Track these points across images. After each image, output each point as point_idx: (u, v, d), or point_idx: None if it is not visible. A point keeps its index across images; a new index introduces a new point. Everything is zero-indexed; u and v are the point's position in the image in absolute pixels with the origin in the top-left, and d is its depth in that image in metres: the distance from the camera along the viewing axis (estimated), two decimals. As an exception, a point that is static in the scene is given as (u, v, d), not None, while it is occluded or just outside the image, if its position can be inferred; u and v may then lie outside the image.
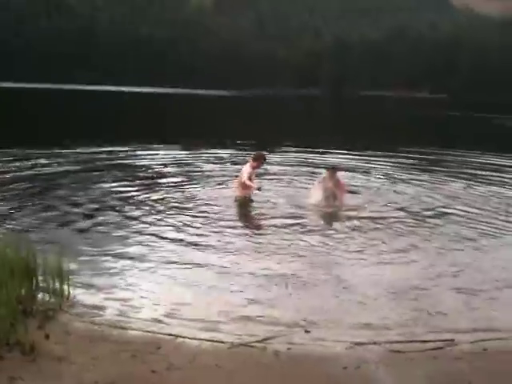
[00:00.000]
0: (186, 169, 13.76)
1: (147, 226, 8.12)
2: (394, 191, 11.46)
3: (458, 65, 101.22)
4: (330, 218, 9.19)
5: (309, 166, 14.64)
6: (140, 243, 7.30)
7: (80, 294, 5.49)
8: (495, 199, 11.05)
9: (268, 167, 14.02)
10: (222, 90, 74.28)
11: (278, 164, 14.79)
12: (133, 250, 7.02)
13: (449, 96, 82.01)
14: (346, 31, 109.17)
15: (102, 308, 5.26)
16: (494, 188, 12.34)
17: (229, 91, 71.22)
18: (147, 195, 10.18)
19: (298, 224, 8.47)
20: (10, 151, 15.06)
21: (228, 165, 14.37)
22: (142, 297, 5.56)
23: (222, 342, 4.60)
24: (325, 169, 10.18)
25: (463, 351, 4.61)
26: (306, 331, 4.89)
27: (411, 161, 16.80)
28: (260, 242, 7.51)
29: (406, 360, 4.40)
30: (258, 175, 11.85)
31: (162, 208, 9.19)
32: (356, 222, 8.66)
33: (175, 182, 11.69)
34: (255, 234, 8.05)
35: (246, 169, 9.51)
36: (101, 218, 8.49)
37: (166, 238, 7.50)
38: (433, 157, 18.19)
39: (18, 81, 74.36)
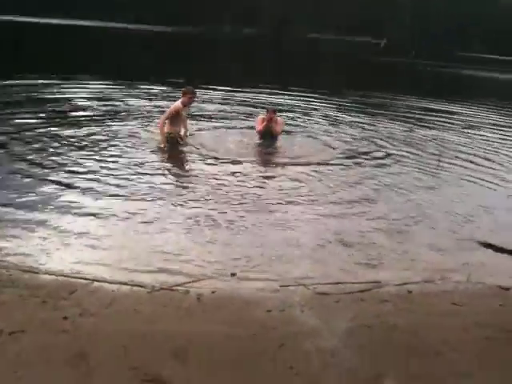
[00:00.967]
0: (112, 103, 12.98)
1: (57, 165, 7.47)
2: (335, 132, 11.53)
3: (397, 12, 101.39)
4: (269, 161, 8.86)
5: (247, 106, 14.28)
6: (53, 183, 6.71)
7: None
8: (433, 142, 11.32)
9: (204, 105, 13.65)
10: (162, 25, 71.18)
11: (214, 103, 14.37)
12: (45, 191, 6.42)
13: (391, 42, 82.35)
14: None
15: (11, 251, 4.85)
16: (433, 132, 12.67)
17: (167, 27, 68.39)
18: (64, 130, 9.52)
19: (233, 166, 8.14)
20: None
21: (160, 101, 13.72)
22: (55, 241, 5.11)
23: (142, 287, 4.34)
24: (264, 109, 9.94)
25: (390, 293, 4.59)
26: (232, 274, 4.71)
27: (353, 104, 16.81)
28: (185, 185, 7.13)
29: (332, 302, 4.31)
30: (193, 115, 11.47)
31: (76, 145, 8.59)
32: (297, 167, 8.40)
33: (97, 117, 10.99)
34: (180, 176, 7.63)
35: (175, 105, 8.92)
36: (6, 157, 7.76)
37: (78, 180, 6.92)
38: (374, 100, 18.29)
39: None
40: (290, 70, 27.70)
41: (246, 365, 3.37)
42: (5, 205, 5.85)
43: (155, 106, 12.78)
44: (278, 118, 9.79)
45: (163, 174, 7.56)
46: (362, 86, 21.75)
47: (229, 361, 3.39)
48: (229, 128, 10.98)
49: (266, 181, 7.66)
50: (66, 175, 7.05)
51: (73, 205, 6.03)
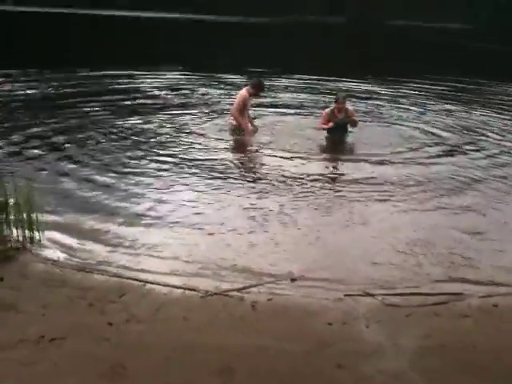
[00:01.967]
0: (183, 93, 12.92)
1: (127, 161, 7.39)
2: (421, 121, 10.85)
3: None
4: (341, 157, 8.17)
5: (321, 94, 13.77)
6: (122, 181, 6.60)
7: (50, 233, 4.97)
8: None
9: (283, 94, 13.27)
10: (237, 16, 71.11)
11: (287, 91, 13.98)
12: (114, 190, 6.33)
13: (475, 27, 77.70)
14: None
15: (70, 249, 4.75)
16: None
17: (244, 17, 68.20)
18: (132, 124, 9.44)
19: (301, 162, 7.63)
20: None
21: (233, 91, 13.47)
22: (114, 241, 4.95)
23: (195, 291, 4.08)
24: (334, 98, 8.93)
25: (470, 307, 4.03)
26: (292, 279, 4.34)
27: (443, 90, 15.79)
28: (249, 183, 6.73)
29: (402, 316, 3.84)
30: (261, 104, 11.14)
31: (145, 140, 8.41)
32: (375, 161, 7.80)
33: (168, 109, 10.87)
34: (245, 173, 7.18)
35: (241, 96, 8.60)
36: (77, 151, 7.77)
37: (146, 178, 6.77)
38: (467, 86, 17.10)
39: None
40: (379, 57, 26.59)
41: (297, 388, 3.01)
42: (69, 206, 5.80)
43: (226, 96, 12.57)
44: (349, 108, 8.84)
45: (231, 170, 7.25)
46: (454, 72, 20.41)
47: (278, 383, 3.04)
48: (305, 116, 10.62)
49: (337, 177, 7.22)
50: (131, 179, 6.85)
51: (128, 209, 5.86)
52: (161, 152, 7.82)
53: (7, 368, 3.01)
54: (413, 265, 4.69)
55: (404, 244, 5.08)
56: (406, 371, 3.17)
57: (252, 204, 5.97)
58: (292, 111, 11.29)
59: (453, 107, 12.87)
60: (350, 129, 8.93)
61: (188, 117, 10.12)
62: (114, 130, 8.92)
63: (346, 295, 4.08)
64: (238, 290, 4.12)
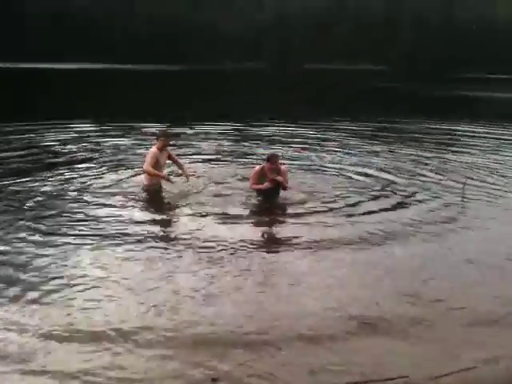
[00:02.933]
0: (92, 147, 11.90)
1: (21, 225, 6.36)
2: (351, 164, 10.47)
3: (396, 37, 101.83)
4: (273, 215, 7.26)
5: (246, 141, 13.25)
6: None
7: None
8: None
9: (198, 143, 12.64)
10: (160, 64, 71.32)
11: (209, 139, 13.38)
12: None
13: (389, 67, 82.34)
14: (287, 3, 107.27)
15: None
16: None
17: (167, 66, 68.46)
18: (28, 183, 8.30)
19: (225, 224, 6.61)
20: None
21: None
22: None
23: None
24: (265, 159, 7.60)
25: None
26: (213, 379, 3.44)
27: (363, 130, 15.85)
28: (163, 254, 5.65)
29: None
30: (184, 154, 10.41)
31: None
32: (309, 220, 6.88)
33: (75, 165, 9.83)
34: (158, 238, 6.12)
35: (150, 152, 7.77)
36: None
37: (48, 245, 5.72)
38: (382, 125, 17.29)
39: None
40: (295, 101, 26.80)
41: None
42: None
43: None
44: (283, 167, 7.65)
45: (153, 237, 6.12)
46: (366, 112, 20.79)
47: None
48: (226, 165, 9.98)
49: (265, 240, 6.41)
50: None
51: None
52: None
53: None
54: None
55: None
56: None
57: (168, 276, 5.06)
58: (214, 159, 10.66)
59: (378, 148, 12.70)
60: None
61: (92, 172, 9.16)
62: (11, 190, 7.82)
63: None
64: None
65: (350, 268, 5.38)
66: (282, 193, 7.66)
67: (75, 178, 8.73)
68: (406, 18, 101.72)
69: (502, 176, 9.74)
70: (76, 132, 14.29)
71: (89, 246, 5.67)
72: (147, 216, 6.96)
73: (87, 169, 9.47)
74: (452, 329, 4.20)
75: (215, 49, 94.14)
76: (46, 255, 5.40)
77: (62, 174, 8.97)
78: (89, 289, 4.69)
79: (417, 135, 15.11)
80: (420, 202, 7.85)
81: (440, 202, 7.85)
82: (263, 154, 11.18)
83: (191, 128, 15.27)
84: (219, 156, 11.14)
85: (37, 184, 8.25)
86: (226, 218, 6.75)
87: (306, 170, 9.89)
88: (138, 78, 47.41)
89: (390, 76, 56.32)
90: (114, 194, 7.68)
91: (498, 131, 16.50)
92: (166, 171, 8.30)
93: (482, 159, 11.42)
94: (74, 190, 7.89)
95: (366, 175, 9.41)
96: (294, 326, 4.16)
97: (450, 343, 3.97)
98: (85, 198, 7.51)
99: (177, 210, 7.24)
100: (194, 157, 10.86)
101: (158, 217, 6.99)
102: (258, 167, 7.62)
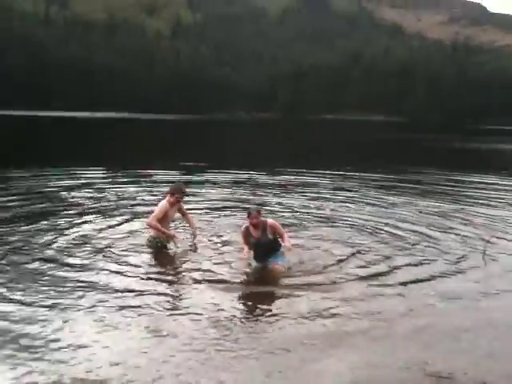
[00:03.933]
0: (102, 195, 11.59)
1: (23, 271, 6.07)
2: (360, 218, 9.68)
3: (411, 89, 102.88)
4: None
5: (259, 189, 12.91)
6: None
7: None
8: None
9: (208, 191, 12.29)
10: (177, 114, 72.63)
11: (220, 187, 13.06)
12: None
13: (404, 119, 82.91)
14: (301, 57, 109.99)
15: None
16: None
17: (182, 116, 69.66)
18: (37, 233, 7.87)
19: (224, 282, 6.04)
20: None
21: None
22: None
23: None
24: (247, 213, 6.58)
25: None
26: None
27: (382, 181, 15.32)
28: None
29: None
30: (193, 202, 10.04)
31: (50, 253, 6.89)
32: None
33: (85, 212, 9.53)
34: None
35: (161, 205, 7.35)
36: None
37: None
38: (401, 176, 16.80)
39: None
40: (308, 150, 26.69)
41: None
42: None
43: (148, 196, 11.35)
44: (269, 221, 6.56)
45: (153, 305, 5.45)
46: (382, 163, 20.45)
47: None
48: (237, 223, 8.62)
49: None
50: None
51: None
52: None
53: None
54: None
55: None
56: None
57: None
58: (222, 208, 10.28)
59: (396, 199, 12.13)
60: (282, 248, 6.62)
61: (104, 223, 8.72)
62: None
63: None
64: None
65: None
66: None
67: (77, 226, 8.37)
68: (421, 70, 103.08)
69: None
70: (86, 178, 14.14)
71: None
72: (144, 275, 6.42)
73: (97, 218, 9.11)
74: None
75: (230, 100, 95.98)
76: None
77: (61, 223, 8.62)
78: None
79: (435, 186, 14.59)
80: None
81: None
82: (273, 204, 10.86)
83: (202, 176, 15.04)
84: (229, 204, 10.78)
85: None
86: (223, 286, 5.94)
87: (322, 221, 9.30)
88: (157, 126, 48.06)
89: (405, 127, 56.35)
90: (118, 247, 7.25)
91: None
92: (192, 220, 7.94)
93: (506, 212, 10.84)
94: (75, 241, 7.51)
95: (396, 228, 8.75)
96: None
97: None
98: (84, 249, 7.12)
99: (176, 271, 6.64)
100: (202, 205, 10.51)
101: (155, 277, 6.33)
102: (242, 228, 6.60)
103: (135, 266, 6.51)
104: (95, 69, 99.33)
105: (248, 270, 6.48)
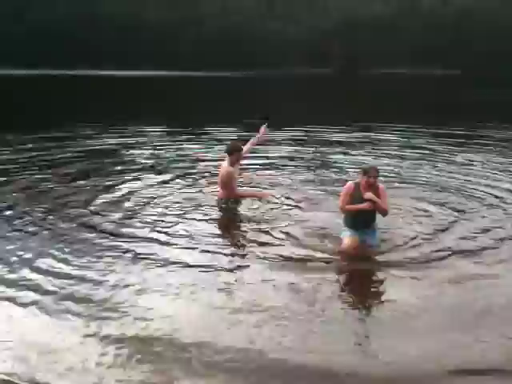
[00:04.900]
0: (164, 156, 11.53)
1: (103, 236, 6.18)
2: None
3: (470, 39, 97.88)
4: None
5: (320, 146, 12.62)
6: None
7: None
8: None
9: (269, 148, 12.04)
10: (230, 71, 72.18)
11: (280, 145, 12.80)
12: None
13: (462, 72, 79.13)
14: (354, 8, 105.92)
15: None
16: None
17: (236, 72, 69.06)
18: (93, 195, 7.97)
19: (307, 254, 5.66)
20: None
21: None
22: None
23: None
24: (360, 170, 5.80)
25: None
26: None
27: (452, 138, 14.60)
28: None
29: None
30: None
31: (114, 216, 6.93)
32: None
33: (143, 176, 9.36)
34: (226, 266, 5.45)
35: (225, 173, 7.20)
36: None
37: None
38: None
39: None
40: (365, 107, 25.87)
41: None
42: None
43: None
44: (380, 186, 5.72)
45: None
46: (446, 119, 19.58)
47: None
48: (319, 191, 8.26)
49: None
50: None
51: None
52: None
53: None
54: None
55: None
56: None
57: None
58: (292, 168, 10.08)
59: (473, 155, 11.62)
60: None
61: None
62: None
63: None
64: None
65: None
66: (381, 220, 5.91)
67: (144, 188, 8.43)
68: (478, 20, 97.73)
69: None
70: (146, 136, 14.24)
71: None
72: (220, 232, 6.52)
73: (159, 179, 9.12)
74: None
75: (282, 54, 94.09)
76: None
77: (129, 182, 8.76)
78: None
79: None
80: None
81: None
82: (341, 162, 10.58)
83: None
84: (290, 162, 10.58)
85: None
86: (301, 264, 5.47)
87: (396, 181, 9.00)
88: (207, 83, 47.83)
89: (462, 81, 53.86)
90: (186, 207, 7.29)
91: None
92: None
93: None
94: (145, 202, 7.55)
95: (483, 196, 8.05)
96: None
97: None
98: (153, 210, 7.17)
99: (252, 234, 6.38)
100: (262, 161, 10.27)
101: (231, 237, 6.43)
102: (350, 183, 5.75)
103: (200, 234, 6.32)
104: (144, 25, 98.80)
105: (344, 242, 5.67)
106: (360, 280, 5.28)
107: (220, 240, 6.19)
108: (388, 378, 3.51)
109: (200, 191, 8.10)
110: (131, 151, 11.98)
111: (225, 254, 5.64)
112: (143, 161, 10.86)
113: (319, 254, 5.57)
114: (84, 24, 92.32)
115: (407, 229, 6.33)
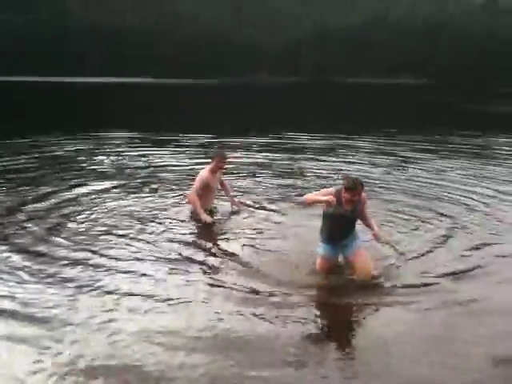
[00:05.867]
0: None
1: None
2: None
3: (440, 50, 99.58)
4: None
5: (294, 153, 12.30)
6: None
7: None
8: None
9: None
10: (198, 78, 71.80)
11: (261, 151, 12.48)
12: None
13: (431, 81, 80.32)
14: (325, 17, 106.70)
15: None
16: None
17: (204, 80, 68.75)
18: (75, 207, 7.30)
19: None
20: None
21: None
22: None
23: None
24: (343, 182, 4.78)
25: None
26: None
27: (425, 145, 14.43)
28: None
29: None
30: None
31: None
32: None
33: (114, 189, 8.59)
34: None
35: (201, 175, 6.81)
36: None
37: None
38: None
39: None
40: (337, 115, 25.74)
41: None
42: None
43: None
44: (363, 195, 4.82)
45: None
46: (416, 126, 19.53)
47: None
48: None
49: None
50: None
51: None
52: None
53: None
54: None
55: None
56: None
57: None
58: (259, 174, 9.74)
59: (447, 162, 11.43)
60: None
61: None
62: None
63: None
64: None
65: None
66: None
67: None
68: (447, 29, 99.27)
69: None
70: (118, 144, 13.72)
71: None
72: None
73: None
74: None
75: (254, 63, 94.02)
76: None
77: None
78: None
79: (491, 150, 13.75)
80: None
81: None
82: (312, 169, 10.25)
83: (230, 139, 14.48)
84: (261, 169, 10.19)
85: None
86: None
87: (385, 188, 8.62)
88: (180, 91, 47.44)
89: (433, 90, 54.59)
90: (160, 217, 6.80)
91: None
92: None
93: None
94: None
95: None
96: None
97: None
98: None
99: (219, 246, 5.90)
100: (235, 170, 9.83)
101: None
102: (333, 188, 4.91)
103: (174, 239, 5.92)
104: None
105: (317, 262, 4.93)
106: (334, 313, 4.49)
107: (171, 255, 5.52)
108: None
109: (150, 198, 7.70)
110: (92, 157, 11.50)
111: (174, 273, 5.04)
112: (98, 167, 10.38)
113: (287, 286, 4.69)
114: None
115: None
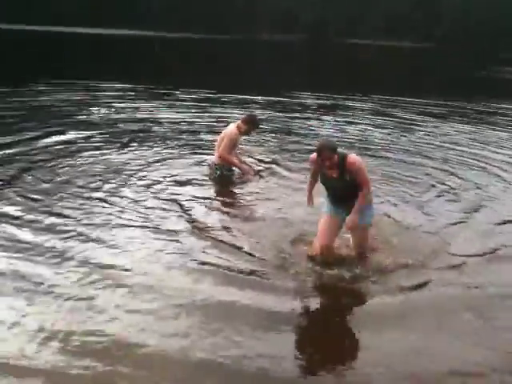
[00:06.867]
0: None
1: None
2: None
3: (440, 12, 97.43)
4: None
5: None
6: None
7: None
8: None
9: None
10: (195, 33, 70.36)
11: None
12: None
13: (432, 45, 78.74)
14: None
15: None
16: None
17: (202, 35, 67.32)
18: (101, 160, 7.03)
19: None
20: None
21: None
22: None
23: None
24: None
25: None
26: None
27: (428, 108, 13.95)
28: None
29: None
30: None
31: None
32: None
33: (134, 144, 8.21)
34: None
35: (230, 135, 6.44)
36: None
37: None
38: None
39: None
40: (336, 75, 25.17)
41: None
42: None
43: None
44: (350, 157, 4.18)
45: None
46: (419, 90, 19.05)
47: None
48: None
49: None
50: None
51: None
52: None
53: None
54: None
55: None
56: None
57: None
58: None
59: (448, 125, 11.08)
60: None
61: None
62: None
63: None
64: None
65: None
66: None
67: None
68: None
69: None
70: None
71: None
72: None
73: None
74: None
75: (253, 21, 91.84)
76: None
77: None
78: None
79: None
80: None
81: None
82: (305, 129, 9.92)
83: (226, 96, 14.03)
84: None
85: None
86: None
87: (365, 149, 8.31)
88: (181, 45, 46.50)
89: (435, 54, 53.64)
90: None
91: None
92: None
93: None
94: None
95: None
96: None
97: None
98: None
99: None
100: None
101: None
102: (311, 160, 4.40)
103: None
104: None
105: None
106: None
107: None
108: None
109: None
110: (82, 108, 11.11)
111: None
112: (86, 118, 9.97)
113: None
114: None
115: (396, 215, 5.33)
